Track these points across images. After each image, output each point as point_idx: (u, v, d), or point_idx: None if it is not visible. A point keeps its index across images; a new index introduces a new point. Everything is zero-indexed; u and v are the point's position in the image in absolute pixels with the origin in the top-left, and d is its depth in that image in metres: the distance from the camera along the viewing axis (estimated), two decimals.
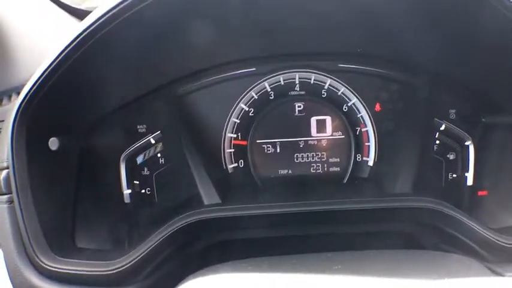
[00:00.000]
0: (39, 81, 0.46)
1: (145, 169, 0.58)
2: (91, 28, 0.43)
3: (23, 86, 0.62)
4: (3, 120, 0.52)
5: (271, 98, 0.58)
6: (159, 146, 0.58)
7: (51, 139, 0.48)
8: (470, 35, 0.48)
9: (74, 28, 0.44)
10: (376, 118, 0.58)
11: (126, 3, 0.41)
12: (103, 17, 0.42)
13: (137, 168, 0.58)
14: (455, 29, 0.48)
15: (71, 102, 0.49)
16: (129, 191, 0.57)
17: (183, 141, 0.56)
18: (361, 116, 0.58)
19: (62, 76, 0.45)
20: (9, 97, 0.62)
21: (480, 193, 0.59)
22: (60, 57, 0.44)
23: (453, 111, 0.58)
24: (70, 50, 0.44)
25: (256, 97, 0.58)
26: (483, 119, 0.58)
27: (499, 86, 0.55)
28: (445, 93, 0.58)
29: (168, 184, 0.58)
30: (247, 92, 0.58)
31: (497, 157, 0.58)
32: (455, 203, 0.51)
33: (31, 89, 0.46)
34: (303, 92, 0.58)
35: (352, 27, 0.52)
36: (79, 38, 0.43)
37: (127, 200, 0.57)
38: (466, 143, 0.58)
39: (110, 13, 0.41)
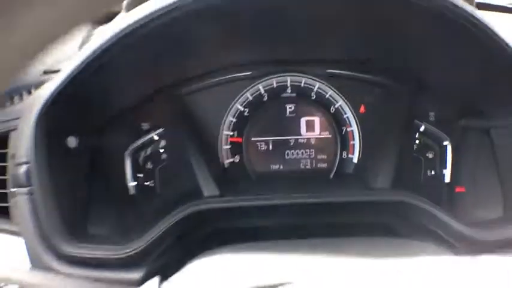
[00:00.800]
0: (64, 83, 0.49)
1: (149, 163, 0.63)
2: (122, 34, 0.47)
3: (33, 84, 0.66)
4: (17, 118, 0.56)
5: (264, 99, 0.63)
6: (162, 142, 0.63)
7: (69, 138, 0.53)
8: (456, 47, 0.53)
9: (104, 32, 0.48)
10: (360, 119, 0.63)
11: (161, 11, 0.46)
12: (137, 23, 0.47)
13: (141, 163, 0.63)
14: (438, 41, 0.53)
15: (88, 103, 0.54)
16: (134, 183, 0.62)
17: (184, 138, 0.61)
18: (347, 117, 0.63)
19: (85, 79, 0.50)
20: (21, 95, 0.66)
21: (458, 189, 0.64)
22: (89, 60, 0.48)
23: (432, 113, 0.63)
24: (99, 53, 0.48)
25: (251, 98, 0.63)
26: (461, 122, 0.62)
27: (477, 92, 0.60)
28: (425, 97, 0.62)
29: (170, 177, 0.63)
30: (243, 94, 0.63)
31: (473, 157, 0.63)
32: (434, 199, 0.56)
33: (56, 90, 0.50)
34: (294, 94, 0.63)
35: (341, 36, 0.57)
36: (109, 43, 0.48)
37: (132, 191, 0.62)
38: (444, 143, 0.63)
39: (144, 20, 0.46)
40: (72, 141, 0.54)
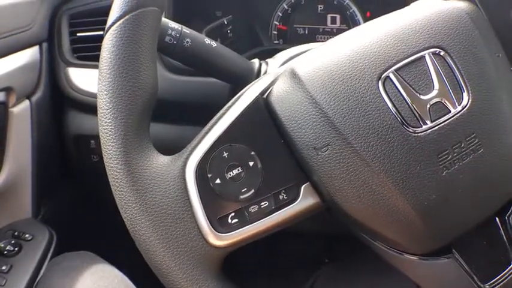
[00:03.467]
0: None
1: (219, 40, 0.89)
2: None
3: None
4: None
5: (302, 3, 0.92)
6: (230, 26, 0.89)
7: None
8: None
9: None
10: (367, 21, 0.92)
11: None
12: None
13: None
14: None
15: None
16: None
17: (245, 23, 0.88)
18: (358, 19, 0.92)
19: None
20: None
21: None
22: None
23: None
24: None
25: (293, 1, 0.91)
26: None
27: None
28: None
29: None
30: None
31: None
32: None
33: None
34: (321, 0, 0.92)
35: None
36: None
37: None
38: None
39: None
40: None
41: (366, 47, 0.41)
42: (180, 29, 0.53)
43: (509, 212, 0.43)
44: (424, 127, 0.39)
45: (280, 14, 0.90)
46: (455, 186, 0.39)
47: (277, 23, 0.91)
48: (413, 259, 0.42)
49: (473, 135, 0.39)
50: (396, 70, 0.40)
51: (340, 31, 0.92)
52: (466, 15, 0.42)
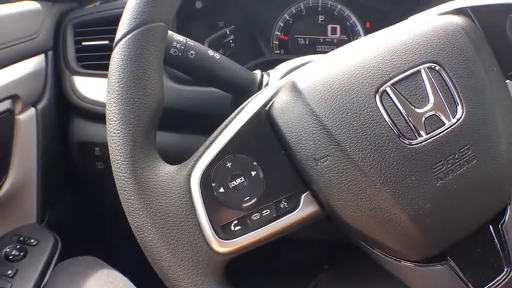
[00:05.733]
0: None
1: (221, 50, 0.91)
2: None
3: None
4: None
5: (303, 13, 0.93)
6: (231, 35, 0.91)
7: None
8: None
9: None
10: (367, 31, 0.94)
11: None
12: None
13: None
14: None
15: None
16: None
17: (247, 33, 0.90)
18: (357, 29, 0.93)
19: None
20: None
21: None
22: None
23: None
24: None
25: (294, 11, 0.92)
26: None
27: None
28: None
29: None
30: (290, 8, 0.92)
31: None
32: None
33: None
34: (322, 11, 0.93)
35: None
36: None
37: None
38: None
39: None
40: None
41: (364, 61, 0.42)
42: (184, 41, 0.55)
43: (502, 221, 0.44)
44: (420, 139, 0.40)
45: (282, 25, 0.92)
46: (450, 196, 0.40)
47: (278, 33, 0.92)
48: (410, 266, 0.43)
49: (466, 147, 0.40)
50: (393, 84, 0.41)
51: (340, 41, 0.93)
52: (461, 30, 0.44)
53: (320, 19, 0.92)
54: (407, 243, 0.41)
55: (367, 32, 0.93)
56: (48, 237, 0.81)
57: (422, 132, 0.41)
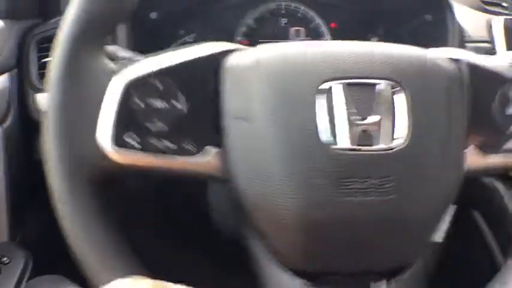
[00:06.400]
0: None
1: None
2: None
3: None
4: None
5: (266, 18, 0.91)
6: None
7: None
8: None
9: None
10: (332, 32, 0.92)
11: None
12: None
13: None
14: None
15: None
16: None
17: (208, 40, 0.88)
18: (322, 30, 0.92)
19: None
20: None
21: None
22: None
23: (382, 30, 0.93)
24: None
25: (257, 15, 0.91)
26: None
27: None
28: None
29: None
30: (252, 12, 0.91)
31: None
32: None
33: None
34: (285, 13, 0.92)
35: None
36: None
37: None
38: None
39: None
40: None
41: (331, 50, 0.41)
42: None
43: (392, 279, 0.42)
44: (343, 146, 0.38)
45: (245, 29, 0.91)
46: (348, 217, 0.38)
47: (241, 39, 0.91)
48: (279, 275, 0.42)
49: (390, 178, 0.38)
50: (348, 84, 0.39)
51: None
52: (443, 70, 0.42)
53: (283, 22, 0.90)
54: (288, 245, 0.40)
55: (332, 32, 0.91)
56: (20, 255, 0.81)
57: (350, 141, 0.38)
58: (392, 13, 0.89)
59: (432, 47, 0.84)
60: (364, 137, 0.38)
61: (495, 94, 0.45)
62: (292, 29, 0.90)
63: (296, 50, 0.42)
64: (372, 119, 0.39)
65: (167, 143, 0.41)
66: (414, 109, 0.39)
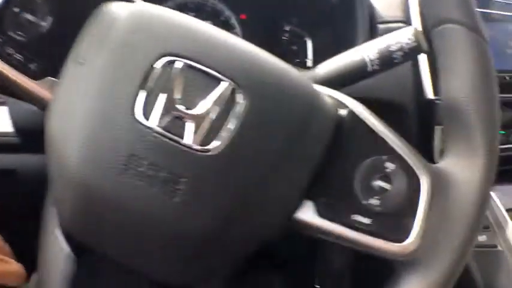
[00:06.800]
0: None
1: None
2: None
3: None
4: None
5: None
6: None
7: None
8: None
9: None
10: (242, 23, 0.88)
11: None
12: None
13: None
14: None
15: None
16: None
17: None
18: (232, 23, 0.88)
19: None
20: None
21: None
22: None
23: (295, 19, 0.88)
24: None
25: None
26: None
27: None
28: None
29: None
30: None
31: None
32: None
33: None
34: (193, 7, 0.88)
35: None
36: None
37: None
38: (305, 39, 0.87)
39: None
40: None
41: (190, 28, 0.39)
42: None
43: None
44: (147, 124, 0.35)
45: None
46: (123, 199, 0.35)
47: None
48: None
49: (183, 180, 0.34)
50: (188, 65, 0.36)
51: None
52: (308, 106, 0.39)
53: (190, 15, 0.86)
54: (65, 208, 0.37)
55: (243, 24, 0.87)
56: None
57: (158, 123, 0.35)
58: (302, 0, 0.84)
59: (341, 32, 0.81)
60: (177, 125, 0.35)
61: (365, 158, 0.40)
62: None
63: (157, 16, 0.39)
64: (194, 111, 0.35)
65: (19, 57, 0.39)
66: (247, 121, 0.36)
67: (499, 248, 0.79)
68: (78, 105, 0.36)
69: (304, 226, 0.40)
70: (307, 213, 0.40)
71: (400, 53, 0.48)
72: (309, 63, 0.86)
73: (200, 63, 0.36)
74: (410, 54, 0.48)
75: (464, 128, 0.43)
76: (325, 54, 0.54)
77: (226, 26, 0.87)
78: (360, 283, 0.85)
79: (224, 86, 0.36)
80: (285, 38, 0.88)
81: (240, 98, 0.36)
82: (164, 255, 0.36)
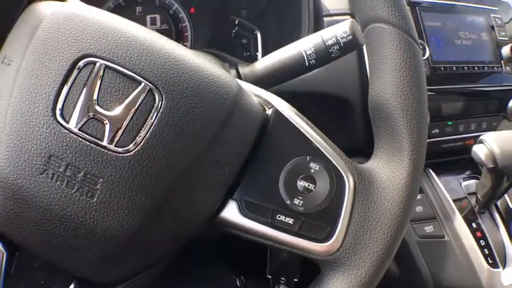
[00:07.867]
0: None
1: None
2: None
3: None
4: None
5: (123, 5, 0.86)
6: None
7: None
8: None
9: None
10: (191, 17, 0.87)
11: None
12: None
13: None
14: None
15: None
16: None
17: None
18: (182, 16, 0.87)
19: None
20: None
21: None
22: None
23: (244, 11, 0.88)
24: None
25: (112, 6, 0.86)
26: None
27: None
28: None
29: None
30: (107, 2, 0.86)
31: None
32: None
33: None
34: (140, 1, 0.87)
35: None
36: None
37: None
38: (255, 32, 0.87)
39: None
40: None
41: (111, 26, 0.38)
42: None
43: None
44: (64, 124, 0.35)
45: None
46: (41, 198, 0.35)
47: None
48: None
49: (99, 180, 0.35)
50: (108, 66, 0.36)
51: (161, 32, 0.86)
52: (226, 105, 0.39)
53: (138, 11, 0.85)
54: None
55: (193, 18, 0.86)
56: None
57: (76, 123, 0.35)
58: None
59: (287, 25, 0.81)
60: (95, 127, 0.35)
61: (290, 158, 0.41)
62: (148, 17, 0.84)
63: (80, 17, 0.38)
64: (112, 112, 0.36)
65: None
66: (163, 122, 0.36)
67: (446, 238, 0.80)
68: (4, 106, 0.36)
69: (228, 225, 0.41)
70: (232, 213, 0.40)
71: (336, 47, 0.48)
72: (259, 56, 0.86)
73: (119, 65, 0.36)
74: (346, 48, 0.48)
75: (390, 127, 0.43)
76: (274, 48, 0.55)
77: (175, 20, 0.86)
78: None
79: (142, 87, 0.36)
80: (234, 31, 0.87)
81: (157, 100, 0.36)
82: (84, 255, 0.36)
